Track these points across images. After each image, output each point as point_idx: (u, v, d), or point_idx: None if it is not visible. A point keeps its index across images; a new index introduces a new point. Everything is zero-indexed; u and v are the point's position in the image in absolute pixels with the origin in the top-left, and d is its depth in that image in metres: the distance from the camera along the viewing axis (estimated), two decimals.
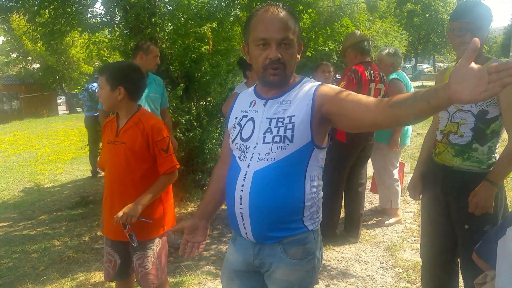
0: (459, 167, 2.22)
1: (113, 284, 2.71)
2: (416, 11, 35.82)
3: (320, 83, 1.58)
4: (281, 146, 1.50)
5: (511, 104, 2.07)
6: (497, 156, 2.19)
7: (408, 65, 46.46)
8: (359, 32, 4.07)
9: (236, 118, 1.68)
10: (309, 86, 1.57)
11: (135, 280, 2.57)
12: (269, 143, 1.51)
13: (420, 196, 2.56)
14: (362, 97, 1.44)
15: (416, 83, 22.65)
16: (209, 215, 1.86)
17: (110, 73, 2.31)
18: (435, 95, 1.15)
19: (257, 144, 1.54)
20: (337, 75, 16.71)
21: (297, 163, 1.52)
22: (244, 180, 1.53)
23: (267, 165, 1.51)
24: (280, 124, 1.52)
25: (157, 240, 2.44)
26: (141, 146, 2.31)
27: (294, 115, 1.51)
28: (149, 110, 3.88)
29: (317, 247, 1.64)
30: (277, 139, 1.50)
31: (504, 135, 2.17)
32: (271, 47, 1.48)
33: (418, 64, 44.12)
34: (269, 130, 1.53)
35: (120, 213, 2.22)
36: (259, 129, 1.56)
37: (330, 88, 1.55)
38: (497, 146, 2.21)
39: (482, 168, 2.17)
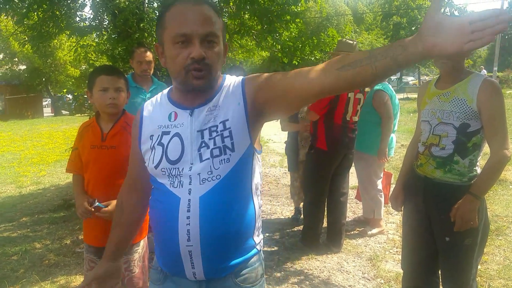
0: (441, 179, 2.25)
1: None
2: (402, 24, 36.45)
3: (243, 77, 1.39)
4: (224, 159, 1.27)
5: (492, 118, 2.11)
6: (478, 169, 2.23)
7: (393, 77, 46.94)
8: (354, 44, 4.06)
9: (153, 136, 1.37)
10: (233, 83, 1.37)
11: None
12: (209, 158, 1.27)
13: (402, 207, 2.59)
14: (298, 70, 1.25)
15: (401, 95, 22.97)
16: (122, 252, 1.59)
17: (125, 77, 2.35)
18: (402, 51, 1.02)
19: (192, 164, 1.28)
20: None
21: (243, 174, 1.32)
22: (188, 210, 1.26)
23: (214, 186, 1.27)
24: (214, 133, 1.29)
25: (142, 243, 2.45)
26: None
27: (227, 119, 1.29)
28: None
29: (263, 264, 1.48)
30: (216, 152, 1.27)
31: (486, 149, 2.21)
32: (194, 44, 1.23)
33: (403, 77, 44.69)
34: (203, 144, 1.28)
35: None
36: (190, 146, 1.29)
37: (257, 75, 1.36)
38: (478, 159, 2.25)
39: (463, 180, 2.21)
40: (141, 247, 2.44)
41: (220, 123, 1.29)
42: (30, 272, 3.70)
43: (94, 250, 2.39)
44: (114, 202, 2.22)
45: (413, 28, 36.13)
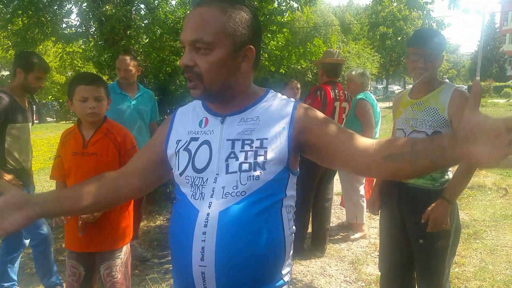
0: (414, 184, 2.32)
1: None
2: (388, 34, 37.08)
3: (296, 101, 1.29)
4: (252, 176, 1.15)
5: None
6: (450, 174, 2.32)
7: (379, 86, 47.82)
8: (337, 53, 4.18)
9: (180, 141, 1.27)
10: (282, 103, 1.27)
11: None
12: (236, 172, 1.16)
13: (379, 212, 2.67)
14: (355, 136, 1.20)
15: (387, 104, 23.34)
16: (47, 210, 1.24)
17: (104, 85, 2.35)
18: (441, 155, 0.97)
19: (217, 175, 1.17)
20: None
21: (273, 194, 1.19)
22: (205, 226, 1.13)
23: (236, 202, 1.14)
24: (247, 147, 1.18)
25: (125, 249, 2.47)
26: (114, 156, 2.33)
27: (266, 138, 1.18)
28: (138, 123, 3.84)
29: None
30: (245, 166, 1.16)
31: None
32: (185, 51, 1.17)
33: (389, 86, 45.39)
34: (232, 155, 1.18)
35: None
36: (218, 155, 1.19)
37: (312, 112, 1.26)
38: None
39: (435, 185, 2.29)
40: (124, 252, 2.45)
41: (257, 139, 1.19)
42: None
43: (75, 256, 2.39)
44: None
45: (398, 38, 36.77)
